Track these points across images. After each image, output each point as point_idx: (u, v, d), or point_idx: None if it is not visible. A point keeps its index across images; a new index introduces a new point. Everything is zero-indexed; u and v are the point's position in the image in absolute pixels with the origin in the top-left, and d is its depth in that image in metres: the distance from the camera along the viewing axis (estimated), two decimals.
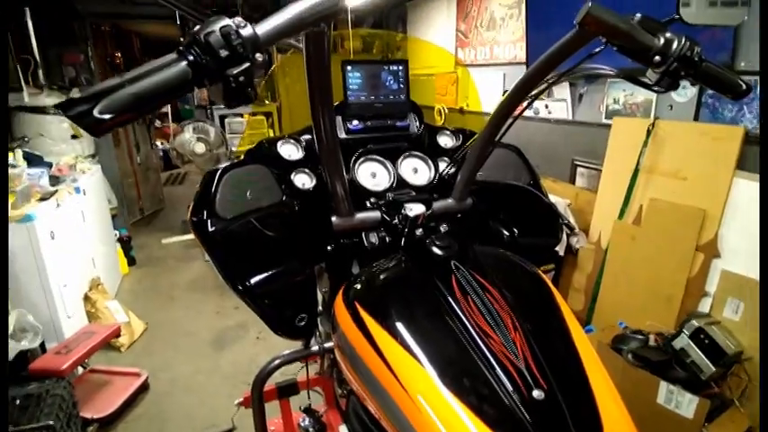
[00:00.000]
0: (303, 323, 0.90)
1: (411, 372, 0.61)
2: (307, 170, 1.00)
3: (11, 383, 1.81)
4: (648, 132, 2.09)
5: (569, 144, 2.66)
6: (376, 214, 0.94)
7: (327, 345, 0.96)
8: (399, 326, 0.67)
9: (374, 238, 0.93)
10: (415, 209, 0.87)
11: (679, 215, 1.96)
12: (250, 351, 2.69)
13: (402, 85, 1.09)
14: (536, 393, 0.57)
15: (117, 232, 3.77)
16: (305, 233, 0.91)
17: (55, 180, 2.83)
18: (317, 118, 0.71)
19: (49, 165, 2.97)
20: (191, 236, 0.87)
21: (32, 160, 2.85)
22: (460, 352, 0.63)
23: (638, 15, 0.68)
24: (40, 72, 3.51)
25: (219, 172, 0.89)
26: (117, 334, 2.45)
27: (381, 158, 1.04)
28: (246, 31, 0.48)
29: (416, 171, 1.06)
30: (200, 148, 4.55)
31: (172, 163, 6.56)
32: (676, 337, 1.72)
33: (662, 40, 0.66)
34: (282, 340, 0.94)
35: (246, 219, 0.86)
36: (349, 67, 1.04)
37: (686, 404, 1.58)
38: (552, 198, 1.18)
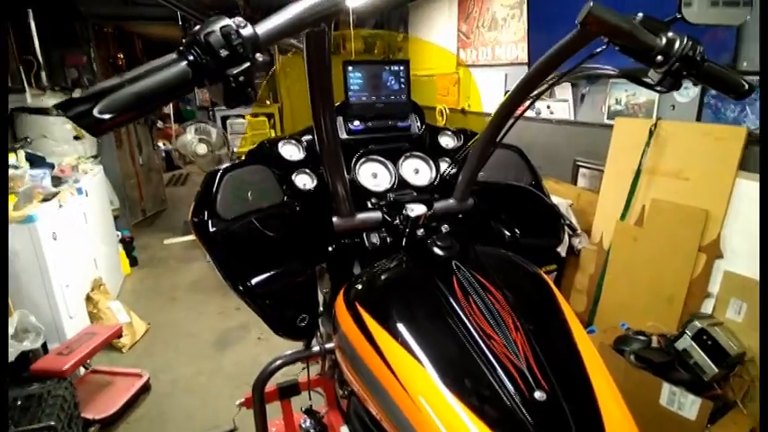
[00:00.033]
0: (304, 324, 0.90)
1: (412, 372, 0.61)
2: (308, 170, 1.00)
3: (12, 384, 1.81)
4: (651, 133, 2.09)
5: (571, 144, 2.65)
6: (377, 215, 0.93)
7: (328, 345, 0.96)
8: (400, 326, 0.67)
9: (375, 239, 0.92)
10: (416, 209, 0.87)
11: (681, 216, 1.95)
12: (252, 352, 2.69)
13: (403, 86, 1.09)
14: (537, 394, 0.57)
15: (119, 233, 3.78)
16: (306, 233, 0.91)
17: (57, 181, 2.84)
18: (317, 118, 0.71)
19: (52, 166, 2.98)
20: (192, 237, 0.87)
21: (35, 161, 2.86)
22: (461, 353, 0.62)
23: (640, 15, 0.67)
24: (43, 73, 3.52)
25: (220, 173, 0.89)
26: (119, 334, 2.45)
27: (382, 159, 1.04)
28: (247, 30, 0.48)
29: (417, 171, 1.06)
30: (201, 149, 4.57)
31: (174, 164, 6.59)
32: (679, 339, 1.71)
33: (664, 40, 0.66)
34: (284, 341, 0.93)
35: (247, 219, 0.86)
36: (350, 68, 1.04)
37: (689, 405, 1.58)
38: (554, 199, 1.18)
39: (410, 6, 4.17)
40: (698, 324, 1.68)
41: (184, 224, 4.75)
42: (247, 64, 0.48)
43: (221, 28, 0.47)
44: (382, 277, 0.81)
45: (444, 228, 0.92)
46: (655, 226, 2.07)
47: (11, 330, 1.92)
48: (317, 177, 0.99)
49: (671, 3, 0.77)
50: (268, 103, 4.71)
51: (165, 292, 3.53)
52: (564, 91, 2.61)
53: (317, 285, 1.00)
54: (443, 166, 1.08)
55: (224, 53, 0.47)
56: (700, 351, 1.64)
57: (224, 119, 6.36)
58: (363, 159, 1.03)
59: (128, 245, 3.88)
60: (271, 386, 1.12)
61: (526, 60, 2.79)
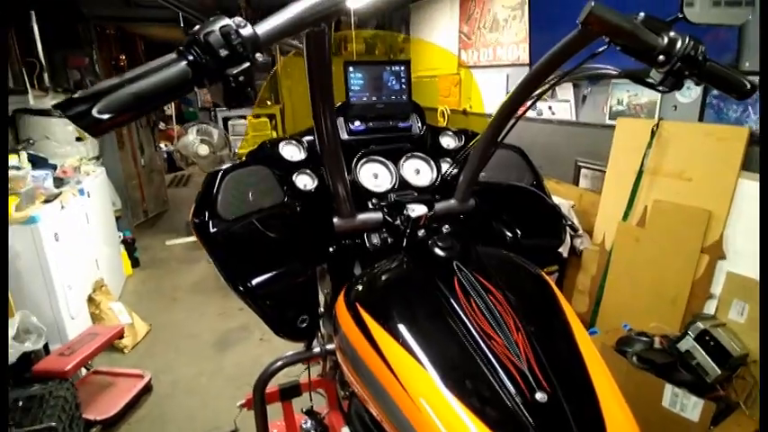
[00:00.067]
0: (305, 325, 0.90)
1: (412, 374, 0.61)
2: (308, 171, 1.00)
3: (14, 385, 1.81)
4: (653, 133, 2.08)
5: (573, 145, 2.65)
6: (378, 215, 0.93)
7: (329, 346, 0.96)
8: (401, 327, 0.66)
9: (376, 239, 0.92)
10: (417, 210, 0.87)
11: (684, 216, 1.94)
12: (253, 353, 2.69)
13: (404, 86, 1.09)
14: (539, 396, 0.56)
15: (121, 234, 3.79)
16: (306, 234, 0.91)
17: (59, 182, 2.85)
18: (318, 119, 0.70)
19: (54, 167, 2.99)
20: (194, 238, 0.87)
21: (37, 162, 2.87)
22: (462, 354, 0.62)
23: (642, 15, 0.67)
24: (46, 75, 3.54)
25: (221, 173, 0.88)
26: (120, 335, 2.46)
27: (383, 159, 1.04)
28: (246, 30, 0.48)
29: (418, 172, 1.06)
30: (203, 150, 4.58)
31: (176, 165, 6.60)
32: (681, 340, 1.70)
33: (666, 40, 0.66)
34: (286, 342, 0.93)
35: (248, 220, 0.86)
36: (351, 68, 1.04)
37: (691, 407, 1.57)
38: (556, 199, 1.18)
39: (411, 7, 4.17)
40: (700, 325, 1.68)
41: (186, 225, 4.75)
42: (247, 64, 0.48)
43: (221, 28, 0.47)
44: (383, 278, 0.81)
45: (445, 228, 0.92)
46: (657, 227, 2.06)
47: (13, 331, 1.92)
48: (317, 178, 0.99)
49: (672, 3, 0.76)
50: (269, 103, 4.71)
51: (167, 293, 3.53)
52: (565, 91, 2.61)
53: (318, 286, 1.00)
54: (444, 166, 1.07)
55: (223, 53, 0.47)
56: (702, 352, 1.64)
57: (226, 120, 6.38)
58: (364, 160, 1.03)
59: (129, 246, 3.89)
60: (272, 387, 1.12)
61: (527, 61, 2.79)
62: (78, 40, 4.04)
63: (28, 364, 1.98)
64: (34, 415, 1.66)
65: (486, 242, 0.92)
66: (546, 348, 0.62)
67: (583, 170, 2.61)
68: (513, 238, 1.01)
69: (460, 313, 0.66)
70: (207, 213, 0.84)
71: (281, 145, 1.02)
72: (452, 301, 0.68)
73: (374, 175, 1.02)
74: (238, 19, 0.48)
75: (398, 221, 0.90)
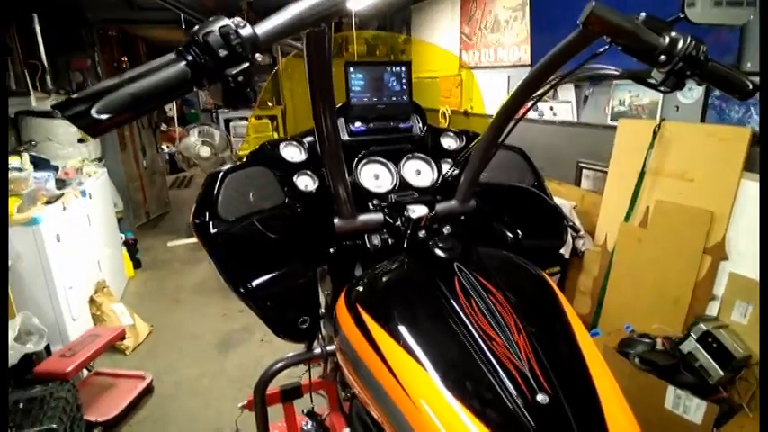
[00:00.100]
0: (305, 326, 0.90)
1: (413, 375, 0.61)
2: (309, 172, 1.00)
3: (15, 386, 1.81)
4: (654, 134, 2.07)
5: (574, 146, 2.64)
6: (378, 216, 0.93)
7: (330, 348, 0.96)
8: (401, 328, 0.66)
9: (377, 240, 0.92)
10: (417, 211, 0.87)
11: (686, 217, 1.94)
12: (254, 354, 2.69)
13: (405, 87, 1.09)
14: (540, 397, 0.56)
15: (123, 235, 3.79)
16: (307, 235, 0.91)
17: (61, 183, 2.85)
18: (318, 119, 0.70)
19: (56, 168, 3.00)
20: (196, 239, 0.87)
21: (39, 164, 2.87)
22: (463, 355, 0.62)
23: (643, 15, 0.67)
24: (48, 77, 3.55)
25: (222, 174, 0.88)
26: (122, 336, 2.46)
27: (384, 160, 1.04)
28: (246, 31, 0.48)
29: (419, 173, 1.06)
30: (205, 151, 4.58)
31: (177, 166, 6.60)
32: (684, 341, 1.69)
33: (667, 40, 0.65)
34: (287, 343, 0.93)
35: (249, 221, 0.86)
36: (351, 69, 1.04)
37: (694, 409, 1.56)
38: (557, 200, 1.17)
39: (412, 9, 4.18)
40: (703, 326, 1.67)
41: (188, 226, 4.75)
42: (246, 64, 0.48)
43: (220, 28, 0.47)
44: (383, 279, 0.81)
45: (446, 229, 0.92)
46: (659, 227, 2.05)
47: (14, 333, 1.92)
48: (318, 179, 0.99)
49: (673, 3, 0.76)
50: (270, 105, 4.72)
51: (169, 294, 3.53)
52: (567, 92, 2.61)
53: (319, 287, 1.00)
54: (445, 167, 1.07)
55: (222, 53, 0.46)
56: (705, 354, 1.63)
57: (227, 121, 6.39)
58: (365, 161, 1.03)
59: (131, 247, 3.89)
60: (273, 388, 1.12)
61: (529, 62, 2.79)
62: (80, 43, 4.05)
63: (29, 366, 1.98)
64: (35, 417, 1.66)
65: (487, 243, 0.92)
66: (547, 349, 0.62)
67: (584, 171, 2.61)
68: (515, 239, 1.00)
69: (461, 314, 0.66)
70: (207, 214, 0.84)
71: (281, 146, 1.02)
72: (453, 302, 0.68)
73: (375, 176, 1.02)
74: (237, 19, 0.48)
75: (399, 222, 0.89)
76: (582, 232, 2.41)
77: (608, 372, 0.63)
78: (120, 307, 2.91)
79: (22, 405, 1.70)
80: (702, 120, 1.94)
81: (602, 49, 0.70)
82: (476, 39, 3.38)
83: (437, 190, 1.03)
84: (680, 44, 0.65)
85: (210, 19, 0.47)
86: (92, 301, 2.79)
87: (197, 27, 0.47)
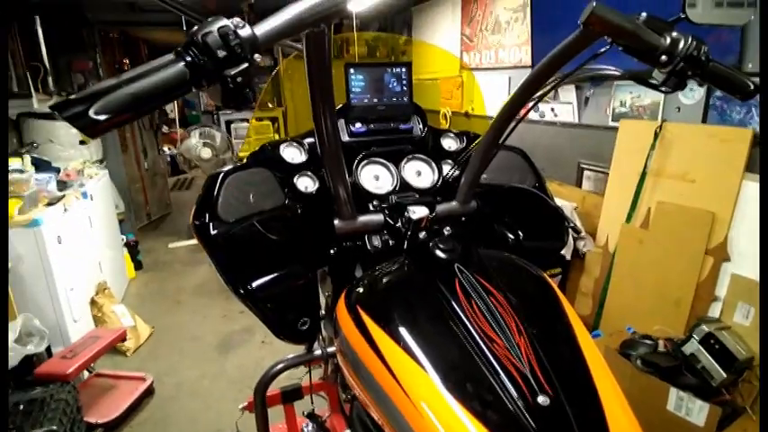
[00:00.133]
0: (305, 327, 0.90)
1: (413, 377, 0.60)
2: (309, 173, 0.99)
3: (15, 388, 1.81)
4: (656, 135, 2.07)
5: (575, 147, 2.64)
6: (379, 217, 0.93)
7: (330, 349, 0.95)
8: (402, 330, 0.66)
9: (377, 242, 0.92)
10: (418, 212, 0.87)
11: (687, 218, 1.93)
12: (255, 355, 2.69)
13: (405, 88, 1.09)
14: (541, 399, 0.56)
15: (124, 237, 3.79)
16: (307, 236, 0.91)
17: (62, 185, 2.86)
18: (318, 120, 0.70)
19: (57, 170, 3.00)
20: (196, 240, 0.87)
21: (40, 166, 2.88)
22: (464, 357, 0.61)
23: (644, 15, 0.67)
24: (50, 79, 3.56)
25: (222, 175, 0.88)
26: (123, 338, 2.46)
27: (384, 161, 1.03)
28: (245, 31, 0.48)
29: (420, 174, 1.05)
30: (206, 153, 4.59)
31: (179, 168, 6.62)
32: (686, 343, 1.69)
33: (668, 40, 0.65)
34: (288, 345, 0.93)
35: (249, 222, 0.85)
36: (352, 70, 1.04)
37: (697, 411, 1.55)
38: (558, 201, 1.17)
39: (413, 10, 4.18)
40: (705, 328, 1.66)
41: (189, 228, 4.76)
42: (245, 65, 0.47)
43: (219, 28, 0.47)
44: (384, 280, 0.81)
45: (447, 230, 0.92)
46: (661, 228, 2.05)
47: (15, 334, 1.92)
48: (318, 180, 0.99)
49: (674, 3, 0.76)
50: (270, 106, 4.72)
51: (170, 295, 3.54)
52: (568, 93, 2.60)
53: (319, 288, 1.00)
54: (446, 168, 1.07)
55: (221, 54, 0.46)
56: (707, 355, 1.62)
57: (228, 123, 6.40)
58: (365, 162, 1.02)
59: (132, 248, 3.90)
60: (273, 390, 1.12)
61: (530, 63, 2.78)
62: (82, 45, 4.06)
63: (30, 368, 1.98)
64: (35, 418, 1.65)
65: (487, 244, 0.92)
66: (548, 351, 0.62)
67: (586, 172, 2.60)
68: (516, 241, 1.00)
69: (462, 316, 0.65)
70: (207, 215, 0.84)
71: (281, 147, 1.02)
72: (453, 303, 0.67)
73: (375, 177, 1.02)
74: (237, 20, 0.47)
75: (399, 223, 0.89)
76: (583, 233, 2.40)
77: (609, 373, 0.62)
78: (121, 308, 2.91)
79: (22, 407, 1.70)
80: (704, 121, 1.93)
81: (602, 50, 0.70)
82: (477, 40, 3.38)
83: (437, 191, 1.03)
84: (681, 44, 0.65)
85: (209, 20, 0.47)
86: (93, 302, 2.79)
87: (196, 28, 0.47)
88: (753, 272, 1.74)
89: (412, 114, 1.12)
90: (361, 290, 0.78)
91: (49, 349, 2.14)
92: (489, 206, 1.01)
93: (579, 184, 2.64)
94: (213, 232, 0.83)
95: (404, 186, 1.01)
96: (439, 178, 1.05)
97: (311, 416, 1.18)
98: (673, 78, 0.67)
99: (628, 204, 2.19)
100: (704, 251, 1.87)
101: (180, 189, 7.00)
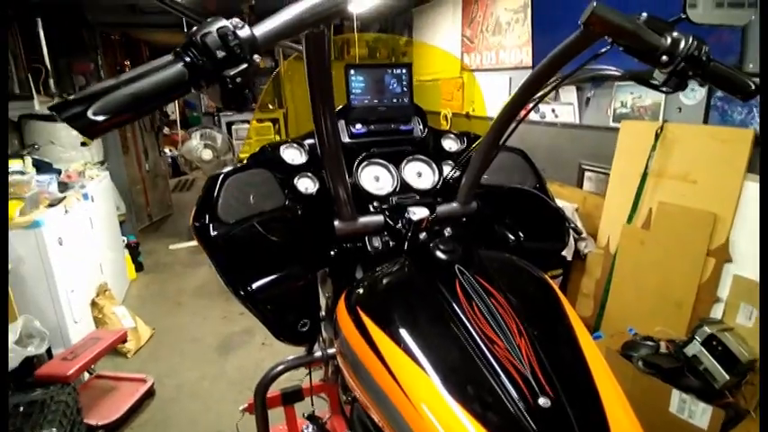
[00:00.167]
0: (306, 329, 0.89)
1: (414, 379, 0.60)
2: (310, 174, 0.99)
3: (15, 390, 1.81)
4: (657, 135, 2.07)
5: (576, 148, 2.64)
6: (379, 218, 0.93)
7: (331, 351, 0.95)
8: (402, 332, 0.66)
9: (377, 243, 0.92)
10: (418, 213, 0.86)
11: (689, 219, 1.93)
12: (256, 357, 2.68)
13: (405, 89, 1.08)
14: (542, 401, 0.55)
15: (125, 238, 3.80)
16: (308, 237, 0.90)
17: (64, 187, 2.86)
18: (318, 121, 0.70)
19: (58, 171, 3.00)
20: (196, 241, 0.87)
21: (42, 167, 2.88)
22: (464, 359, 0.61)
23: (644, 15, 0.67)
24: (51, 81, 3.56)
25: (222, 176, 0.88)
26: (124, 339, 2.46)
27: (385, 162, 1.03)
28: (244, 32, 0.48)
29: (420, 175, 1.05)
30: (207, 154, 4.60)
31: (180, 169, 6.63)
32: (688, 344, 1.68)
33: (669, 40, 0.65)
34: (288, 346, 0.93)
35: (249, 223, 0.85)
36: (352, 71, 1.04)
37: (700, 414, 1.54)
38: (559, 202, 1.17)
39: (414, 11, 4.18)
40: (707, 329, 1.65)
41: (189, 229, 4.76)
42: (244, 65, 0.47)
43: (218, 29, 0.46)
44: (384, 281, 0.80)
45: (447, 231, 0.91)
46: (662, 229, 2.04)
47: (15, 336, 1.92)
48: (318, 181, 0.99)
49: (675, 3, 0.76)
50: (271, 107, 4.73)
51: (171, 296, 3.53)
52: (569, 94, 2.60)
53: (319, 290, 1.00)
54: (446, 169, 1.07)
55: (220, 54, 0.46)
56: (710, 357, 1.61)
57: (229, 124, 6.42)
58: (365, 163, 1.02)
59: (133, 250, 3.90)
60: (274, 392, 1.11)
61: (530, 64, 2.78)
62: (84, 46, 4.07)
63: (30, 369, 1.98)
64: (35, 420, 1.65)
65: (488, 246, 0.91)
66: (549, 353, 0.62)
67: (587, 173, 2.60)
68: (516, 242, 1.00)
69: (462, 317, 0.65)
70: (208, 216, 0.84)
71: (281, 148, 1.02)
72: (454, 304, 0.67)
73: (375, 178, 1.02)
74: (236, 20, 0.47)
75: (400, 224, 0.89)
76: (584, 234, 2.40)
77: (611, 375, 0.62)
78: (121, 310, 2.90)
79: (22, 409, 1.69)
80: (705, 121, 1.93)
81: (603, 50, 0.69)
82: (477, 41, 3.38)
83: (438, 192, 1.03)
84: (682, 44, 0.65)
85: (209, 20, 0.47)
86: (93, 303, 2.79)
87: (195, 28, 0.47)
88: (755, 273, 1.73)
89: (412, 115, 1.12)
90: (361, 291, 0.78)
91: (49, 351, 2.14)
92: (490, 207, 1.01)
93: (580, 185, 2.63)
94: (213, 233, 0.83)
95: (404, 187, 1.01)
96: (439, 179, 1.04)
97: (311, 417, 1.17)
98: (674, 79, 0.66)
99: (629, 205, 2.19)
100: (706, 252, 1.87)
101: (181, 190, 7.01)
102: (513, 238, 1.00)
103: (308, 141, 1.04)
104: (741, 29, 1.66)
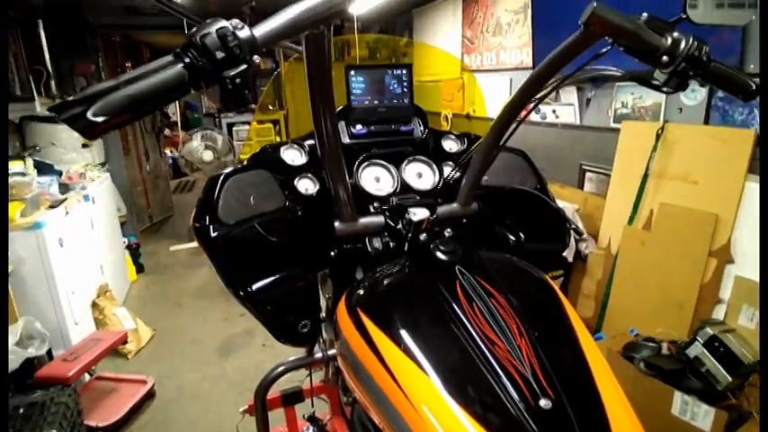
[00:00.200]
0: (306, 330, 0.89)
1: (414, 380, 0.60)
2: (310, 175, 0.99)
3: (15, 391, 1.81)
4: (658, 136, 2.06)
5: (577, 148, 2.63)
6: (379, 219, 0.93)
7: (331, 352, 0.95)
8: (402, 333, 0.65)
9: (378, 244, 0.91)
10: (419, 213, 0.86)
11: (690, 220, 1.92)
12: (256, 358, 2.68)
13: (406, 89, 1.09)
14: (543, 402, 0.55)
15: (126, 239, 3.80)
16: (308, 238, 0.90)
17: (64, 188, 2.86)
18: (318, 122, 0.70)
19: (59, 173, 3.00)
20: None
21: (42, 169, 2.88)
22: (465, 360, 0.61)
23: (645, 15, 0.66)
24: (52, 82, 3.57)
25: (222, 177, 0.88)
26: (124, 341, 2.46)
27: (385, 163, 1.03)
28: (243, 33, 0.47)
29: (420, 176, 1.05)
30: (208, 155, 4.60)
31: (180, 171, 6.62)
32: (690, 345, 1.67)
33: (669, 40, 0.65)
34: (288, 348, 0.93)
35: (249, 224, 0.85)
36: (352, 72, 1.04)
37: (702, 416, 1.54)
38: (560, 203, 1.17)
39: (414, 12, 4.19)
40: (709, 330, 1.65)
41: (190, 231, 4.76)
42: (244, 66, 0.47)
43: (217, 30, 0.46)
44: (384, 282, 0.80)
45: (447, 232, 0.91)
46: (663, 230, 2.04)
47: (16, 337, 1.92)
48: (319, 182, 0.99)
49: (675, 3, 0.76)
50: (272, 109, 4.73)
51: (171, 298, 3.53)
52: (569, 95, 2.60)
53: (320, 291, 1.00)
54: (447, 170, 1.07)
55: (220, 55, 0.46)
56: (712, 359, 1.61)
57: (230, 126, 6.42)
58: (366, 163, 1.02)
59: (134, 251, 3.90)
60: (274, 393, 1.11)
61: (531, 65, 2.78)
62: (85, 48, 4.08)
63: (30, 371, 1.98)
64: (35, 422, 1.65)
65: (489, 246, 0.91)
66: (550, 354, 0.61)
67: (588, 173, 2.60)
68: (517, 243, 1.00)
69: (463, 318, 0.65)
70: (208, 218, 0.84)
71: (282, 149, 1.02)
72: (454, 305, 0.67)
73: (376, 179, 1.02)
74: (235, 21, 0.47)
75: (400, 225, 0.89)
76: (585, 235, 2.39)
77: (612, 376, 0.62)
78: (122, 311, 2.90)
79: (22, 410, 1.69)
80: (706, 122, 1.93)
81: (603, 50, 0.69)
82: (478, 42, 3.38)
83: (438, 193, 1.03)
84: (682, 44, 0.64)
85: (208, 21, 0.47)
86: (94, 305, 2.79)
87: (195, 29, 0.46)
88: (756, 274, 1.73)
89: (413, 116, 1.12)
90: (361, 292, 0.77)
91: (49, 352, 2.14)
92: (490, 208, 1.01)
93: (581, 186, 2.63)
94: (213, 234, 0.82)
95: (404, 188, 1.01)
96: (440, 180, 1.04)
97: (312, 419, 1.17)
98: (674, 79, 0.66)
99: (630, 206, 2.18)
100: (707, 253, 1.86)
101: (182, 192, 7.01)
102: (513, 238, 1.00)
103: (309, 142, 1.04)
104: (741, 29, 1.66)
